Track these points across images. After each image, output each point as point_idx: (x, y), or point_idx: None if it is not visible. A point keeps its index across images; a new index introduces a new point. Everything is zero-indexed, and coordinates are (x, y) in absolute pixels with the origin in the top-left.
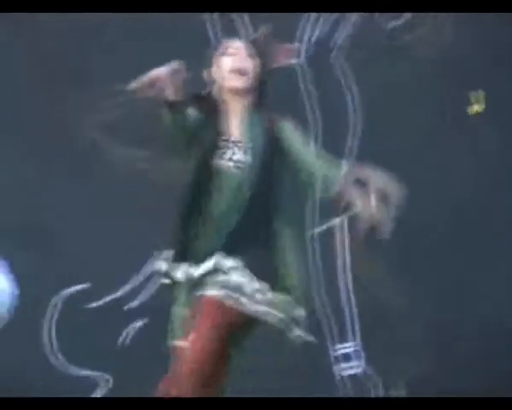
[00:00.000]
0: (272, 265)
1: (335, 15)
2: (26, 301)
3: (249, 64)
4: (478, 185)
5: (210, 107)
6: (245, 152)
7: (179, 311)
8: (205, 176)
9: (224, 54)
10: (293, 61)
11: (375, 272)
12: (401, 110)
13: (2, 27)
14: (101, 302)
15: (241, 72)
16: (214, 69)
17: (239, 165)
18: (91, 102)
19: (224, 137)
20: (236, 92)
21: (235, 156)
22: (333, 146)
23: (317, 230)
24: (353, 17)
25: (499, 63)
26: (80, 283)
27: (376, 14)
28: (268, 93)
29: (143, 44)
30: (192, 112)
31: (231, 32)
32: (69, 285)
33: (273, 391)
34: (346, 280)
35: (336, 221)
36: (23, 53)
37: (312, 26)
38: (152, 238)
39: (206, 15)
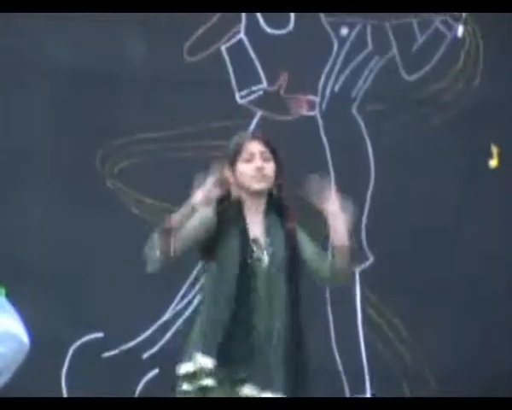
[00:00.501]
0: None
1: (356, 65)
2: (40, 347)
3: (267, 167)
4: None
5: (231, 210)
6: (264, 252)
7: None
8: (245, 270)
9: (241, 160)
10: (312, 113)
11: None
12: (422, 161)
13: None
14: (116, 351)
15: (259, 177)
16: (236, 174)
17: (264, 264)
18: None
19: (249, 238)
20: (258, 195)
21: (262, 255)
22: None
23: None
24: (376, 67)
25: None
26: (98, 331)
27: (398, 63)
28: (283, 196)
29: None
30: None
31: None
32: (84, 334)
33: None
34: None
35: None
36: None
37: (334, 76)
38: (170, 291)
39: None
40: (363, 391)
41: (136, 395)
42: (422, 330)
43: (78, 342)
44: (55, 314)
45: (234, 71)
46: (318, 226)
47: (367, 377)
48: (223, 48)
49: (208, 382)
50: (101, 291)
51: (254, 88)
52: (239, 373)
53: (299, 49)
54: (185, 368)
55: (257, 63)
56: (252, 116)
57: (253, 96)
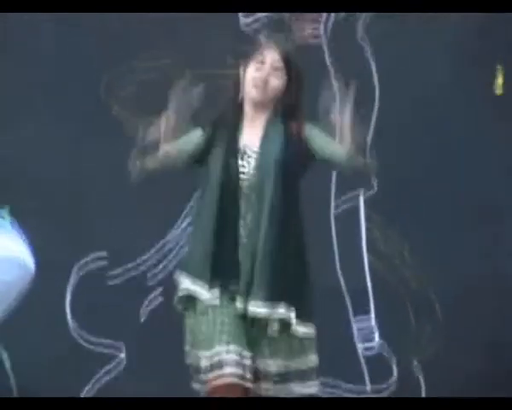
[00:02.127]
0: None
1: None
2: (45, 268)
3: (274, 81)
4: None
5: (234, 121)
6: (259, 164)
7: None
8: (229, 190)
9: (253, 63)
10: (317, 38)
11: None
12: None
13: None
14: (120, 270)
15: (262, 86)
16: (242, 76)
17: (251, 175)
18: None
19: (243, 146)
20: (255, 103)
21: (249, 167)
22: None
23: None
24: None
25: None
26: (99, 251)
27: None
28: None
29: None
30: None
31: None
32: (88, 253)
33: None
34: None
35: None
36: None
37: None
38: (171, 211)
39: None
40: (368, 312)
41: (140, 314)
42: (428, 255)
43: (82, 262)
44: (60, 236)
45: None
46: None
47: (371, 298)
48: None
49: (203, 300)
50: (106, 213)
51: (258, 15)
52: (228, 288)
53: None
54: (181, 291)
55: None
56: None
57: (256, 25)
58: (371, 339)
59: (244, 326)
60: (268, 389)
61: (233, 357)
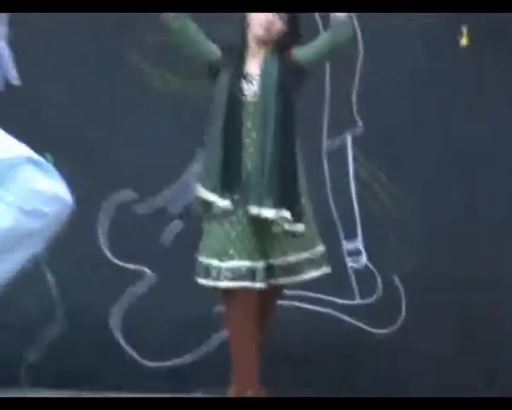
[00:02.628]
0: (300, 200)
1: None
2: (81, 203)
3: (278, 24)
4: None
5: (240, 51)
6: (260, 84)
7: (224, 230)
8: (234, 109)
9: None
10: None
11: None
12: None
13: None
14: (145, 205)
15: (267, 26)
16: (248, 19)
17: (255, 95)
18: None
19: (244, 74)
20: (259, 41)
21: (252, 88)
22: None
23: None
24: None
25: None
26: (127, 187)
27: None
28: (290, 45)
29: None
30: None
31: None
32: (117, 190)
33: None
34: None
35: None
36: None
37: None
38: (190, 147)
39: None
40: (356, 236)
41: (162, 243)
42: (413, 190)
43: (112, 196)
44: (90, 178)
45: None
46: None
47: (359, 227)
48: None
49: (222, 203)
50: (128, 153)
51: None
52: (236, 198)
53: None
54: (198, 196)
55: None
56: None
57: None
58: (359, 259)
59: (254, 233)
60: (283, 281)
61: (243, 269)
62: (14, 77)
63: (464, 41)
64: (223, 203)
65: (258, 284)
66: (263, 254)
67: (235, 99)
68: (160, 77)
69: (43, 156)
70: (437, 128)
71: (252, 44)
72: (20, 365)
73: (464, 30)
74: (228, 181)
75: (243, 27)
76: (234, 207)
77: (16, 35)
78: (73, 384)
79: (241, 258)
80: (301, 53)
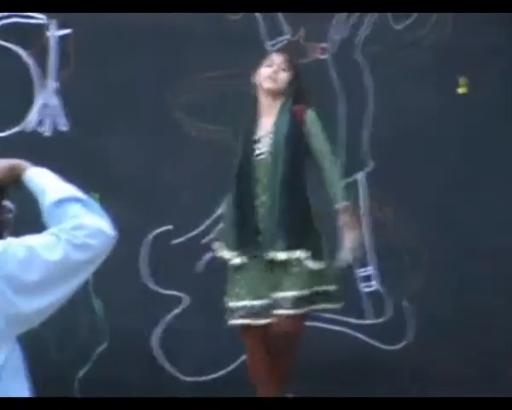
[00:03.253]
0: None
1: (356, 17)
2: (125, 238)
3: (282, 74)
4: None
5: (252, 107)
6: (271, 143)
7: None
8: (247, 168)
9: (264, 65)
10: (324, 56)
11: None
12: (419, 95)
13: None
14: (182, 239)
15: (273, 78)
16: (256, 76)
17: (266, 155)
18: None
19: (259, 133)
20: (269, 93)
21: (263, 148)
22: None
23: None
24: (371, 19)
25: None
26: (166, 224)
27: (389, 16)
28: (300, 96)
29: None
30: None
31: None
32: (158, 226)
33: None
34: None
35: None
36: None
37: (340, 27)
38: (217, 193)
39: (256, 15)
40: (367, 264)
41: (196, 271)
42: (418, 220)
43: (152, 234)
44: (134, 215)
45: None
46: None
47: (371, 255)
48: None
49: (236, 261)
50: (169, 195)
51: (280, 38)
52: (251, 251)
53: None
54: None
55: (282, 21)
56: None
57: (279, 45)
58: (371, 284)
59: (265, 277)
60: (287, 312)
61: (245, 309)
62: (63, 124)
63: (461, 90)
64: (237, 260)
65: (259, 322)
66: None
67: (246, 162)
68: (196, 128)
69: (90, 195)
70: (437, 159)
71: (264, 100)
72: (73, 379)
73: (462, 81)
74: (242, 238)
75: (253, 85)
76: (250, 262)
77: (66, 87)
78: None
79: (243, 306)
80: (314, 141)
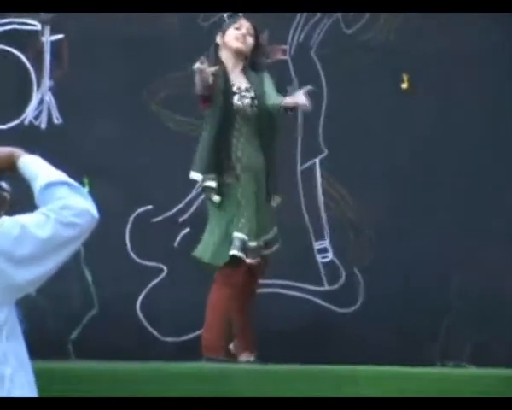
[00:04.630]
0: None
1: (312, 23)
2: (112, 216)
3: (249, 38)
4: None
5: (220, 65)
6: (253, 97)
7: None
8: (230, 116)
9: (232, 27)
10: (285, 57)
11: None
12: (366, 91)
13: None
14: (161, 218)
15: (241, 40)
16: (225, 36)
17: (253, 105)
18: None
19: (236, 87)
20: (236, 53)
21: (248, 100)
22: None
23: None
24: (325, 24)
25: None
26: (146, 205)
27: (341, 21)
28: (261, 61)
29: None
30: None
31: None
32: (140, 206)
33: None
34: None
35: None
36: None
37: (298, 31)
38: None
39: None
40: (324, 237)
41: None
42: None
43: (135, 213)
44: (119, 197)
45: None
46: None
47: (326, 230)
48: (224, 16)
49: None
50: (149, 180)
51: None
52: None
53: (275, 15)
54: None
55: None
56: None
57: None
58: (326, 254)
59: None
60: (267, 254)
61: (237, 243)
62: (56, 117)
63: (404, 85)
64: (207, 183)
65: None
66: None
67: (228, 110)
68: (172, 120)
69: (80, 180)
70: (381, 146)
71: (229, 60)
72: (67, 342)
73: (405, 77)
74: (215, 164)
75: (215, 45)
76: (229, 191)
77: (59, 85)
78: (107, 356)
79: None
80: (266, 87)
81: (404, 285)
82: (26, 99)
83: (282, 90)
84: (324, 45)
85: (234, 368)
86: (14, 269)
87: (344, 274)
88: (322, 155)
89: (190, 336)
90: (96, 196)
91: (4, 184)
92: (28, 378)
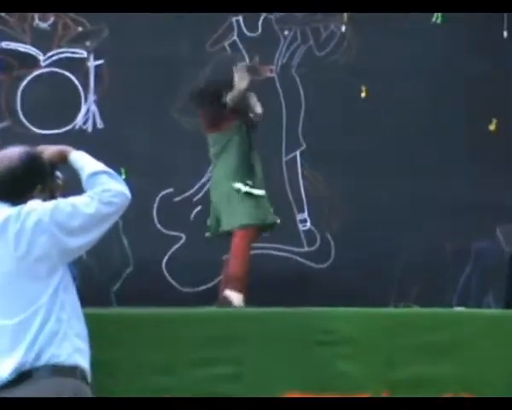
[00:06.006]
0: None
1: (292, 48)
2: (142, 197)
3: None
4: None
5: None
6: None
7: None
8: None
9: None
10: (272, 75)
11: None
12: (334, 99)
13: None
14: (180, 198)
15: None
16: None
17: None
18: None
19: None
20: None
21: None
22: (292, 120)
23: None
24: (302, 49)
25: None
26: (169, 188)
27: (313, 46)
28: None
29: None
30: None
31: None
32: (164, 189)
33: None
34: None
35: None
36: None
37: (282, 54)
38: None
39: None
40: (304, 210)
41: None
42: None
43: (160, 195)
44: (147, 182)
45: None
46: None
47: (305, 205)
48: (226, 44)
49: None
50: (171, 166)
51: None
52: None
53: (264, 42)
54: None
55: (243, 51)
56: None
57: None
58: (306, 224)
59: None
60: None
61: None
62: (99, 123)
63: (363, 95)
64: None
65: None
66: None
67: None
68: (189, 123)
69: (118, 170)
70: (346, 140)
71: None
72: (110, 292)
73: (363, 88)
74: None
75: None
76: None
77: (101, 98)
78: (141, 303)
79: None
80: None
81: (366, 246)
82: (76, 110)
83: (269, 100)
84: (302, 65)
85: (240, 311)
86: (67, 237)
87: (319, 238)
88: (302, 148)
89: (204, 287)
90: (130, 182)
91: (59, 173)
92: (80, 324)
